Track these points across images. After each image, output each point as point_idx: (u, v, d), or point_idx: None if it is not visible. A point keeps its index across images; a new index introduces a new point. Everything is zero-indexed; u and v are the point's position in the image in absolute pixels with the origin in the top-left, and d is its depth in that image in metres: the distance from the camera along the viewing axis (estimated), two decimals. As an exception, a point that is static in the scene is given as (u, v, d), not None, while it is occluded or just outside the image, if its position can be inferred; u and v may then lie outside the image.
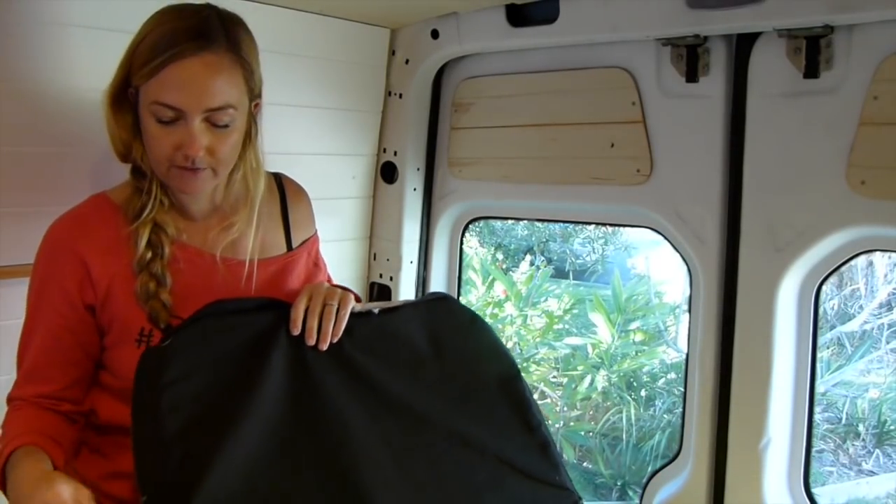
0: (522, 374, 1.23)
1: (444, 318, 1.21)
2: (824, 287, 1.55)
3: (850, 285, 5.42)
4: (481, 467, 1.12)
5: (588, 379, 5.60)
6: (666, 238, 1.70)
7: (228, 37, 1.17)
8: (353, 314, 1.16)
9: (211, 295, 1.22)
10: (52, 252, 1.24)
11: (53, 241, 1.24)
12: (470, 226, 2.12)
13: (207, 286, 1.26)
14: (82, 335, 1.25)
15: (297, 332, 1.11)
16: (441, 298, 1.26)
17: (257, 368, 1.06)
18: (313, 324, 1.13)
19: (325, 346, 1.12)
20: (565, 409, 5.86)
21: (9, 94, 1.38)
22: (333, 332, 1.15)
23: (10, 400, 1.25)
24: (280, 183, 1.42)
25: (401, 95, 2.02)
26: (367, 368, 1.13)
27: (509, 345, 6.07)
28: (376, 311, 1.16)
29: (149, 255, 1.22)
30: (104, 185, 1.30)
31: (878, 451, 5.15)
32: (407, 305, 1.23)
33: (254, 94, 1.24)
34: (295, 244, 1.40)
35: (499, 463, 1.12)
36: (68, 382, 1.24)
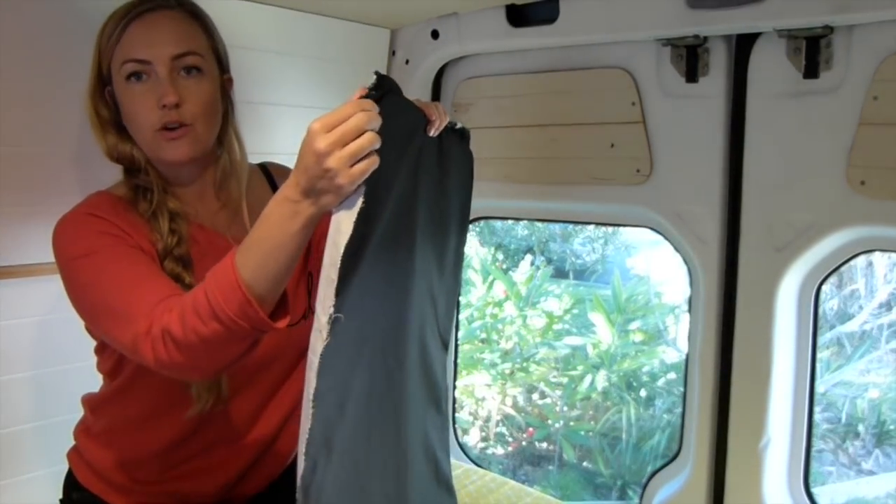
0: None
1: (464, 160, 1.30)
2: (824, 287, 1.55)
3: (850, 285, 5.42)
4: (428, 302, 1.24)
5: (588, 379, 5.59)
6: (666, 238, 1.70)
7: (181, 2, 1.24)
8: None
9: None
10: (78, 228, 1.18)
11: (75, 223, 1.19)
12: (470, 226, 2.11)
13: None
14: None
15: (433, 117, 1.17)
16: (468, 138, 1.31)
17: (410, 148, 1.14)
18: (435, 114, 1.17)
19: (437, 131, 1.18)
20: (565, 408, 5.86)
21: (9, 93, 1.38)
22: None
23: (147, 316, 1.04)
24: (266, 171, 1.43)
25: (401, 95, 2.02)
26: (438, 175, 1.23)
27: (509, 345, 6.08)
28: (457, 125, 1.25)
29: (173, 241, 1.21)
30: (104, 184, 1.30)
31: (877, 450, 5.15)
32: (455, 135, 1.28)
33: (221, 63, 1.27)
34: None
35: (432, 302, 1.26)
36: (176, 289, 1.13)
